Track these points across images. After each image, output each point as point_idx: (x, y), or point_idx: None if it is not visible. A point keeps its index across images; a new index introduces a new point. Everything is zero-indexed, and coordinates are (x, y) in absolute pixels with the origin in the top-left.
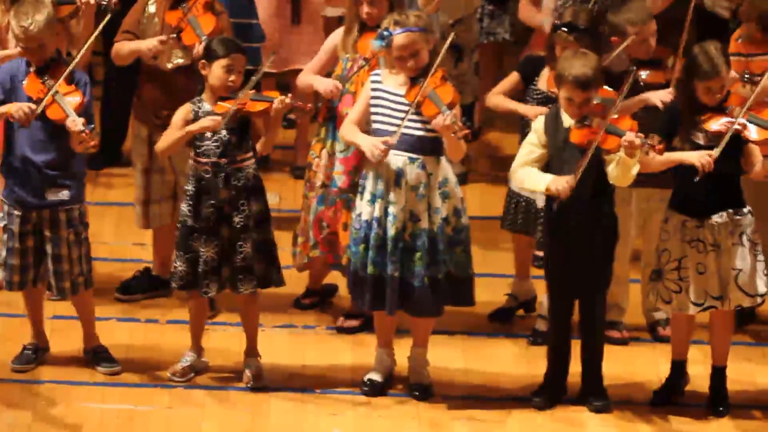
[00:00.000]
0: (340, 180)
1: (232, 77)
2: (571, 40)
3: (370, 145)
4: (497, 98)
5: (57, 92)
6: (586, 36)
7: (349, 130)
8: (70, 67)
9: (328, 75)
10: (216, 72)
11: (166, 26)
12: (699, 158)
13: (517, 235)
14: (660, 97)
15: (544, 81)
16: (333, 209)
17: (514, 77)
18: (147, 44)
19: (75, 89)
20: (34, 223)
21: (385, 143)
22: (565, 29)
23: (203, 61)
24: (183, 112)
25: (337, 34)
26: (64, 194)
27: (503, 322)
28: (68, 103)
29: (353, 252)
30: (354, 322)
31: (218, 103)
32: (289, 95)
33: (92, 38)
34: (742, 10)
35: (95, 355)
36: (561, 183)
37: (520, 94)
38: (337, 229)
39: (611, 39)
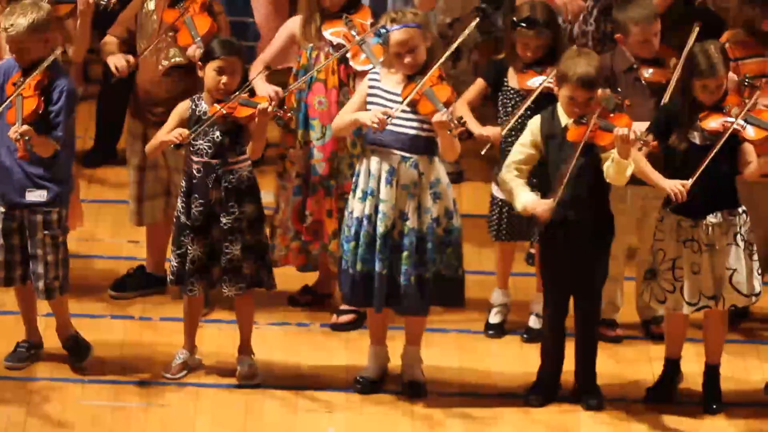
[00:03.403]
0: (320, 167)
1: (224, 79)
2: (531, 35)
3: (370, 114)
4: (462, 108)
5: (20, 95)
6: (545, 30)
7: (342, 117)
8: (32, 76)
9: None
10: (209, 73)
11: (164, 24)
12: (672, 188)
13: (505, 244)
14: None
15: (514, 80)
16: (316, 197)
17: (479, 84)
18: (116, 62)
19: (34, 95)
20: (20, 220)
21: (386, 113)
22: (524, 24)
23: (200, 62)
24: (181, 109)
25: (294, 22)
26: (41, 195)
27: (501, 335)
28: (22, 109)
29: (344, 250)
30: (347, 317)
31: (214, 104)
32: (274, 103)
33: (58, 50)
34: (729, 14)
35: (65, 348)
36: (541, 206)
37: (490, 97)
38: (322, 217)
39: (615, 36)
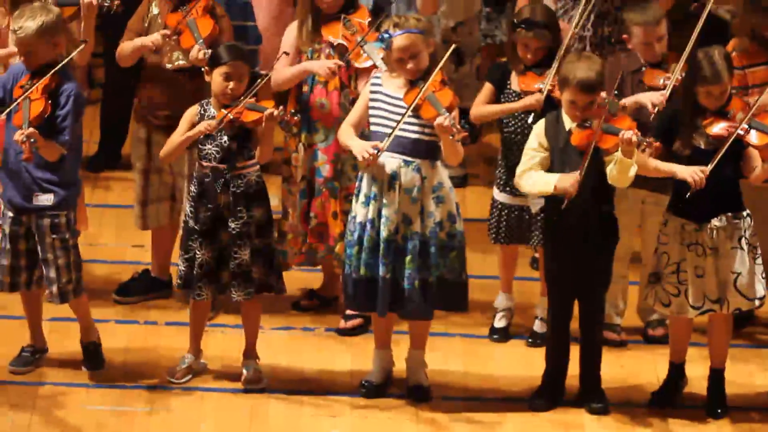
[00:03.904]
0: (324, 170)
1: (231, 84)
2: (531, 37)
3: (360, 149)
4: (481, 109)
5: (28, 99)
6: (545, 31)
7: (344, 133)
8: (42, 80)
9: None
10: (216, 79)
11: (168, 28)
12: (691, 174)
13: (508, 247)
14: (651, 99)
15: (515, 83)
16: (320, 199)
17: (487, 88)
18: (149, 38)
19: (41, 98)
20: (27, 225)
21: (375, 147)
22: (524, 26)
23: (206, 68)
24: (190, 114)
25: (292, 30)
26: (48, 199)
27: (505, 339)
28: (29, 112)
29: (347, 254)
30: (354, 322)
31: (222, 109)
32: (281, 107)
33: (74, 54)
34: (734, 23)
35: (84, 351)
36: (568, 181)
37: (494, 100)
38: (327, 219)
39: (622, 37)
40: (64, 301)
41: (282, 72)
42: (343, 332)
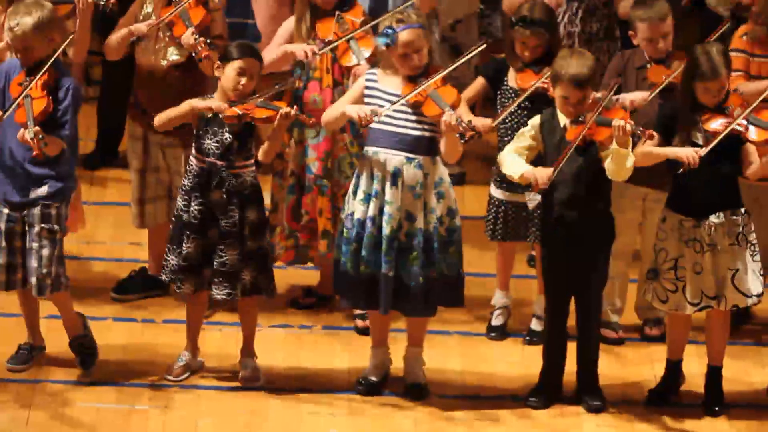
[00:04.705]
0: (314, 166)
1: (243, 80)
2: (528, 35)
3: (357, 108)
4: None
5: (28, 96)
6: (543, 29)
7: (331, 110)
8: (39, 75)
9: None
10: (228, 73)
11: (162, 23)
12: (687, 154)
13: (505, 244)
14: (631, 98)
15: (513, 80)
16: (310, 196)
17: (478, 82)
18: (134, 26)
19: (43, 95)
20: (22, 221)
21: (374, 111)
22: (521, 24)
23: (218, 61)
24: (191, 104)
25: (290, 22)
26: (42, 190)
27: (503, 337)
28: (32, 109)
29: (343, 251)
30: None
31: (230, 105)
32: (295, 107)
33: (59, 50)
34: (755, 10)
35: (76, 348)
36: (539, 172)
37: (489, 96)
38: (315, 216)
39: (629, 33)
40: (41, 293)
41: (266, 55)
42: (363, 331)
